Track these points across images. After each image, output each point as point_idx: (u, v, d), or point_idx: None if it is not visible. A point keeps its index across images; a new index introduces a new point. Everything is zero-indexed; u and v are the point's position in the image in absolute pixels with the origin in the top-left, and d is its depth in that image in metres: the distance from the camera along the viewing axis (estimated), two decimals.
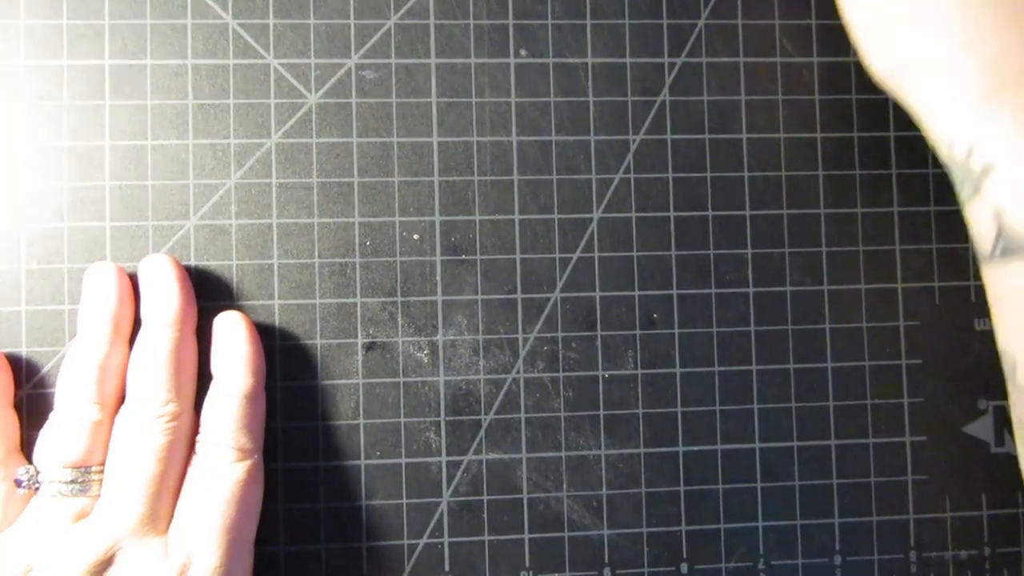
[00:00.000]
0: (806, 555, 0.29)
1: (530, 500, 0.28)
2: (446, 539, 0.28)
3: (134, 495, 0.24)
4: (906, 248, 0.30)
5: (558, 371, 0.29)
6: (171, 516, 0.25)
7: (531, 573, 0.28)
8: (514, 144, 0.29)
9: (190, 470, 0.26)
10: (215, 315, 0.27)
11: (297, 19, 0.29)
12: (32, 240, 0.28)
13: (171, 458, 0.25)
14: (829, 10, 0.30)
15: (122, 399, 0.26)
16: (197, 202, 0.28)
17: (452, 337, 0.28)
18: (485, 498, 0.28)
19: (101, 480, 0.25)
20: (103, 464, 0.25)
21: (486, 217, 0.29)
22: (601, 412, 0.29)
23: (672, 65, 0.30)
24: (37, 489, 0.25)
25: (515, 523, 0.28)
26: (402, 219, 0.29)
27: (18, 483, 0.25)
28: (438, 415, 0.28)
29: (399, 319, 0.28)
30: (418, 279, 0.29)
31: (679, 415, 0.29)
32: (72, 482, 0.25)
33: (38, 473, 0.25)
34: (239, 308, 0.28)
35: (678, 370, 0.29)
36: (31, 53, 0.28)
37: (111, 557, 0.24)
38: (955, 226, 0.30)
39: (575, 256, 0.29)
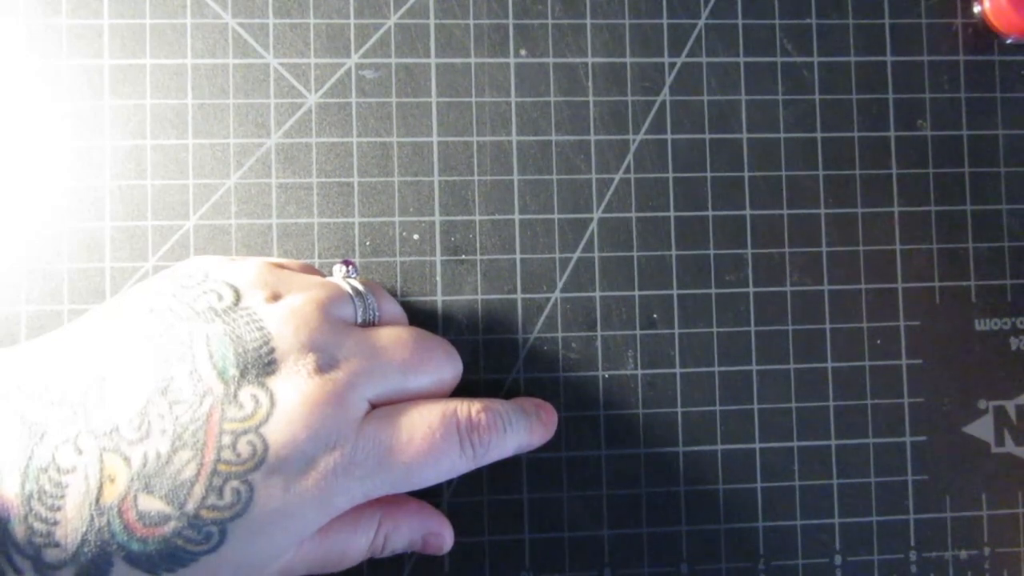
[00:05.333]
0: (806, 555, 0.29)
1: (530, 500, 0.28)
2: None
3: None
4: (906, 248, 0.30)
5: (558, 371, 0.29)
6: None
7: (531, 573, 0.28)
8: (514, 144, 0.29)
9: None
10: None
11: (297, 19, 0.29)
12: (32, 240, 0.28)
13: None
14: (829, 10, 0.30)
15: None
16: (197, 202, 0.28)
17: (452, 337, 0.28)
18: (485, 498, 0.28)
19: None
20: None
21: (486, 217, 0.29)
22: (601, 412, 0.29)
23: (672, 65, 0.30)
24: None
25: (515, 523, 0.28)
26: (402, 219, 0.29)
27: None
28: None
29: None
30: (418, 279, 0.29)
31: (679, 415, 0.29)
32: None
33: None
34: None
35: (678, 370, 0.29)
36: (31, 53, 0.28)
37: None
38: (955, 226, 0.30)
39: (575, 256, 0.29)
